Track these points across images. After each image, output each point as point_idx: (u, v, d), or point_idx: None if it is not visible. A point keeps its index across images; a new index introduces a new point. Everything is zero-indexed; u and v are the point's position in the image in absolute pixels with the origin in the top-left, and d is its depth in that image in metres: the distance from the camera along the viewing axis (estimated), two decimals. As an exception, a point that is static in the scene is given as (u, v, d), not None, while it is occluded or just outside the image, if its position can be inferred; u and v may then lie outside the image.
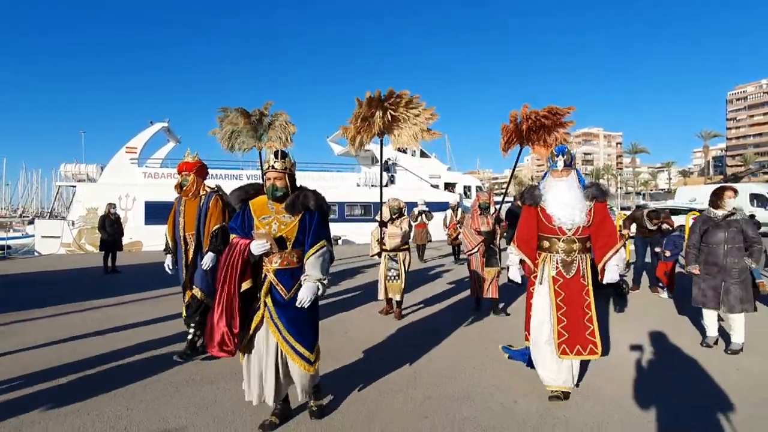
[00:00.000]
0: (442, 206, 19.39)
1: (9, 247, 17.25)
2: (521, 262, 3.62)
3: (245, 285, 2.80)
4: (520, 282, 3.74)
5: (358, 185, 21.37)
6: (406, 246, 5.92)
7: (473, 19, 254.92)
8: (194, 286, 4.23)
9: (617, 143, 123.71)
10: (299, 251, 2.90)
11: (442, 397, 3.53)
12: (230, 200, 3.14)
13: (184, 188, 4.33)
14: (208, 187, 4.46)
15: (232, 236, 2.92)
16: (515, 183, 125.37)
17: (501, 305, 6.14)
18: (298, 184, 3.05)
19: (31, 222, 32.48)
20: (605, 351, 4.31)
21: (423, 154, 25.48)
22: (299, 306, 2.79)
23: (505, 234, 6.33)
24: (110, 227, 10.34)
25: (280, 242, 2.86)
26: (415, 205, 12.21)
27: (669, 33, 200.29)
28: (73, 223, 17.05)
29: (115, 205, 11.12)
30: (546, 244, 3.49)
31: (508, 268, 3.79)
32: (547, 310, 3.44)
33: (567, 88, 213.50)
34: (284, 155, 2.96)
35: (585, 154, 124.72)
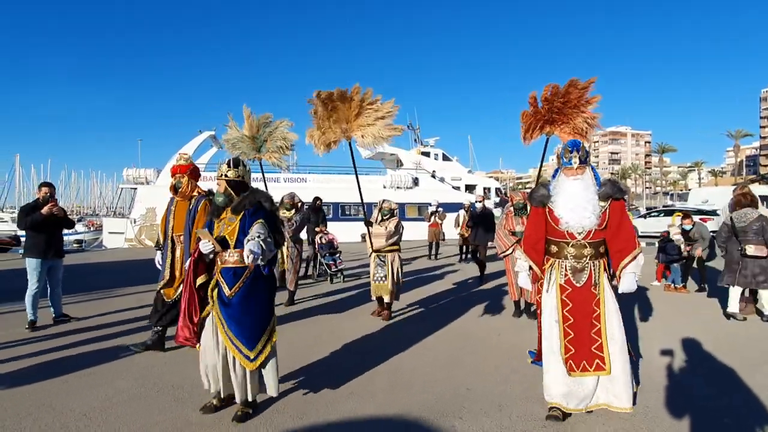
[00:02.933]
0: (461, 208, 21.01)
1: (83, 241, 19.82)
2: (531, 268, 3.32)
3: (200, 280, 3.07)
4: (530, 289, 3.61)
5: (384, 187, 23.07)
6: (395, 247, 5.86)
7: (499, 18, 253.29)
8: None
9: (646, 142, 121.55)
10: (241, 251, 2.95)
11: (402, 406, 3.27)
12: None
13: (179, 190, 4.42)
14: (201, 190, 4.52)
15: None
16: (538, 183, 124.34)
17: (533, 309, 5.68)
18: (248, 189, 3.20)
19: (80, 220, 35.65)
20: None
21: (445, 158, 27.12)
22: (241, 295, 2.99)
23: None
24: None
25: (223, 243, 3.03)
26: (429, 205, 13.47)
27: (701, 30, 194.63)
28: (134, 221, 19.42)
29: None
30: (554, 248, 3.18)
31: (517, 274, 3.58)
32: (554, 321, 3.12)
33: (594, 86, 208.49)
34: (236, 163, 3.20)
35: (612, 153, 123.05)
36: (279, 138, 5.81)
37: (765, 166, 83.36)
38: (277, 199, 5.34)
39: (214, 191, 4.17)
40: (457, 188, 25.08)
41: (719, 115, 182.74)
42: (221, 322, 2.95)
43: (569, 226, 3.07)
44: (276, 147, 5.81)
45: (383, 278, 5.71)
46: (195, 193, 4.45)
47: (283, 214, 6.43)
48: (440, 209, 12.75)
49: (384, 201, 6.12)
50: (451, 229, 12.58)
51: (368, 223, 5.81)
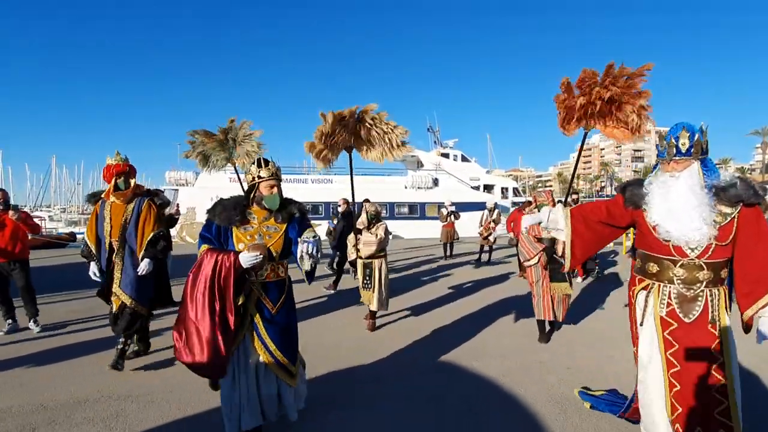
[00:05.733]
0: (480, 206, 21.97)
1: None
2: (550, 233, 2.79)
3: (241, 300, 2.68)
4: (526, 226, 2.98)
5: (405, 187, 24.17)
6: (382, 254, 5.57)
7: (521, 18, 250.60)
8: (123, 292, 4.01)
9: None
10: (285, 263, 2.81)
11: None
12: (214, 212, 2.77)
13: (123, 192, 4.08)
14: (141, 189, 4.27)
15: (204, 247, 2.68)
16: (559, 181, 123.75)
17: (559, 325, 5.18)
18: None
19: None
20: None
21: (464, 159, 28.10)
22: (304, 268, 2.66)
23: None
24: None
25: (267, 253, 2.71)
26: (442, 205, 13.76)
27: (728, 24, 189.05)
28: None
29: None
30: (653, 268, 2.47)
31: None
32: (655, 364, 2.46)
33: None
34: (266, 161, 2.84)
35: (635, 150, 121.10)
36: (245, 140, 5.58)
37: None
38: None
39: (150, 191, 4.38)
40: (476, 188, 26.02)
41: (749, 111, 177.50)
42: (263, 341, 2.67)
43: (671, 238, 2.36)
44: (244, 152, 5.57)
45: (368, 285, 5.44)
46: (132, 194, 4.14)
47: None
48: (455, 209, 13.10)
49: (369, 204, 5.74)
50: (466, 229, 12.68)
51: (357, 231, 5.57)
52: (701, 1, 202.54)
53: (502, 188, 27.05)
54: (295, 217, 2.85)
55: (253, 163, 2.87)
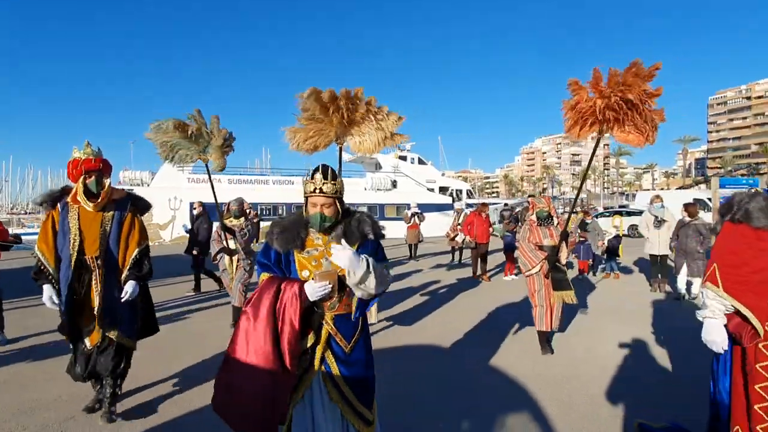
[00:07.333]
0: (437, 208, 23.11)
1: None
2: (739, 313, 2.10)
3: (310, 340, 2.25)
4: (723, 351, 2.17)
5: (365, 189, 24.78)
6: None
7: (460, 19, 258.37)
8: (106, 323, 3.19)
9: (605, 144, 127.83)
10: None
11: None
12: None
13: (98, 195, 3.20)
14: (121, 192, 3.44)
15: (264, 276, 2.30)
16: (505, 183, 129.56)
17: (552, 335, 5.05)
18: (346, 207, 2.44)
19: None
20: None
21: (421, 162, 29.18)
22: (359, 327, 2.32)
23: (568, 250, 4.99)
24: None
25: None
26: (409, 206, 14.57)
27: (654, 38, 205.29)
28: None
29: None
30: None
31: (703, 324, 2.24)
32: None
33: (551, 90, 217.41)
34: (334, 175, 2.33)
35: (573, 154, 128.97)
36: (220, 136, 5.02)
37: (712, 168, 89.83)
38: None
39: (130, 194, 3.52)
40: (432, 190, 27.16)
41: (672, 119, 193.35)
42: (336, 386, 2.24)
43: None
44: (220, 148, 5.04)
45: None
46: (109, 199, 3.28)
47: (231, 222, 5.83)
48: (419, 211, 13.72)
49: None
50: (432, 230, 13.38)
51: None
52: (618, 9, 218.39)
53: (457, 190, 28.38)
54: (368, 239, 2.36)
55: (318, 172, 2.32)
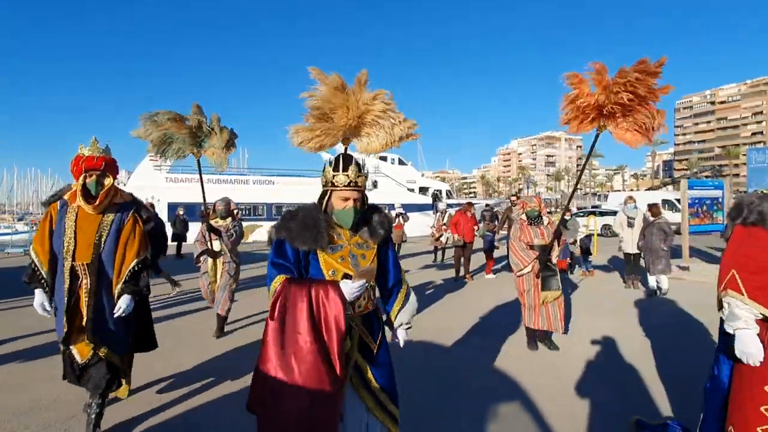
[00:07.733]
0: (418, 208, 23.31)
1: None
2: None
3: (347, 346, 2.10)
4: (760, 362, 2.03)
5: (346, 189, 24.71)
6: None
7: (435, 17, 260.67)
8: (94, 338, 2.88)
9: (577, 146, 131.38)
10: (372, 289, 2.26)
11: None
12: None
13: (98, 196, 2.92)
14: (125, 195, 3.19)
15: (280, 279, 2.04)
16: (482, 183, 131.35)
17: (552, 334, 5.05)
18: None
19: (20, 219, 34.62)
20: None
21: (401, 162, 29.39)
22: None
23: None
24: (180, 224, 14.35)
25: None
26: (393, 207, 14.78)
27: (623, 43, 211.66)
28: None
29: (183, 208, 15.16)
30: None
31: (734, 335, 2.12)
32: None
33: (534, 89, 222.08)
34: (347, 161, 2.16)
35: (547, 156, 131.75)
36: (224, 135, 4.79)
37: (678, 170, 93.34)
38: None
39: (133, 197, 3.19)
40: (412, 190, 27.39)
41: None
42: (369, 388, 2.15)
43: None
44: (219, 145, 4.77)
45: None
46: (110, 201, 3.01)
47: (217, 222, 5.54)
48: (403, 212, 13.84)
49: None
50: (413, 230, 13.68)
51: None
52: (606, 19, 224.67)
53: (437, 191, 28.69)
54: (390, 240, 2.32)
55: (330, 163, 2.18)
